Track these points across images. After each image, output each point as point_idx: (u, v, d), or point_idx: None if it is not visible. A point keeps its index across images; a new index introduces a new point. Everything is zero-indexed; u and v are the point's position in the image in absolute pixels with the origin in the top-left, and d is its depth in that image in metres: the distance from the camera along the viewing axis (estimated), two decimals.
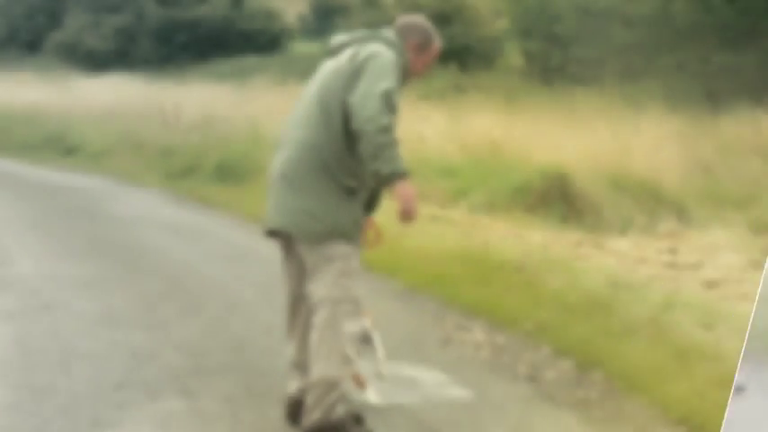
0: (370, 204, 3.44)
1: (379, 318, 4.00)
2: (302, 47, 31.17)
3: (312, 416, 3.21)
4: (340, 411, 3.23)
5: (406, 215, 3.11)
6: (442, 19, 18.46)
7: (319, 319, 3.20)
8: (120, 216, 9.11)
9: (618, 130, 10.07)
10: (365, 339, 3.65)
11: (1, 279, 6.01)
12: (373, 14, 21.59)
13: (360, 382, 3.67)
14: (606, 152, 9.22)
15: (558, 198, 8.42)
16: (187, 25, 31.63)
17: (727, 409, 1.89)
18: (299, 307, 3.39)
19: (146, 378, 3.99)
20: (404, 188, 3.06)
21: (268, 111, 13.65)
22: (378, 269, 5.98)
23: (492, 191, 8.87)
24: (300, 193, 3.19)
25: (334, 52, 3.35)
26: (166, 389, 3.85)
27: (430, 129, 11.58)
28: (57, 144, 17.68)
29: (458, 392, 3.94)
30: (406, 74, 3.32)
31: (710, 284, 5.78)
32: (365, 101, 3.03)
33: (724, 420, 1.89)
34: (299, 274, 3.35)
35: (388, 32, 3.35)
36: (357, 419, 3.36)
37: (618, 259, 6.57)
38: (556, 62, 17.16)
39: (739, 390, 1.89)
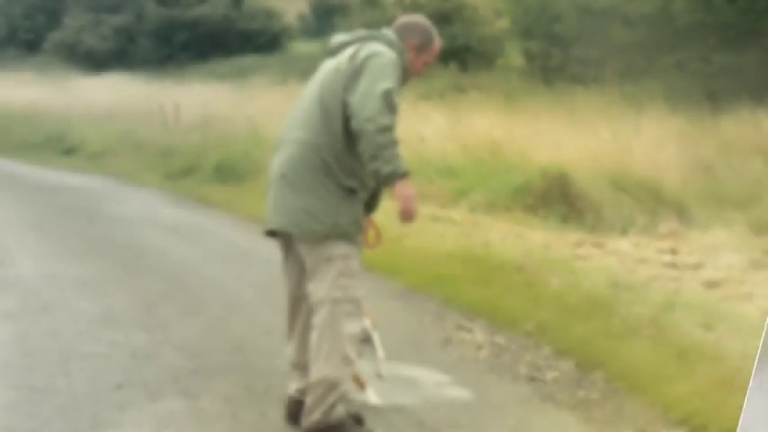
0: (370, 204, 3.43)
1: (380, 318, 3.99)
2: (302, 46, 31.16)
3: (312, 416, 3.20)
4: (340, 412, 3.22)
5: (406, 215, 3.10)
6: (443, 19, 18.46)
7: (319, 319, 3.20)
8: (120, 216, 9.10)
9: (618, 129, 10.06)
10: (365, 339, 3.64)
11: (0, 279, 6.00)
12: (373, 14, 21.59)
13: (360, 383, 3.66)
14: (607, 152, 9.22)
15: (558, 198, 8.41)
16: (187, 25, 31.63)
17: (744, 409, 1.87)
18: (299, 307, 3.38)
19: (145, 378, 3.98)
20: (404, 188, 3.05)
21: (268, 110, 13.66)
22: (378, 269, 5.97)
23: (492, 191, 8.86)
24: (300, 193, 3.18)
25: (334, 52, 3.34)
26: (166, 389, 3.85)
27: (430, 129, 11.58)
28: (56, 144, 17.70)
29: (458, 393, 3.93)
30: (407, 74, 3.31)
31: (711, 285, 5.77)
32: (365, 101, 3.02)
33: (740, 420, 1.87)
34: (299, 274, 3.34)
35: (389, 32, 3.34)
36: (357, 420, 3.36)
37: (618, 259, 6.56)
38: (556, 62, 17.15)
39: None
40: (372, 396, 3.72)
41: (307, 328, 3.31)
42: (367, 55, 3.14)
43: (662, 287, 5.56)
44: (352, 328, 3.22)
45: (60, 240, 7.63)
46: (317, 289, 3.20)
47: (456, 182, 9.59)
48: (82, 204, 10.00)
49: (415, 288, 5.83)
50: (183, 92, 18.17)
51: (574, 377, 4.13)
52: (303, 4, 37.54)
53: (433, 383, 4.04)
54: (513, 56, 20.64)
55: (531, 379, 4.12)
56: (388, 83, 3.05)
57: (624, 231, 7.77)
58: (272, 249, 3.61)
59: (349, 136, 3.12)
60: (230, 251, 7.31)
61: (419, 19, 3.46)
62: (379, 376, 3.74)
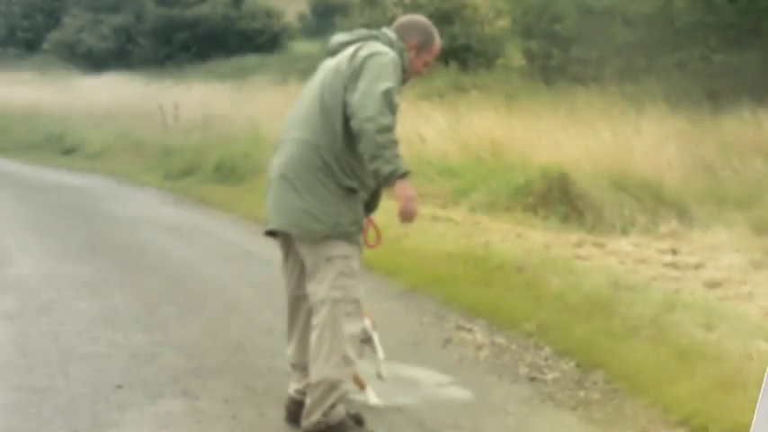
0: (370, 204, 3.42)
1: (380, 318, 3.99)
2: (302, 46, 31.12)
3: (312, 417, 3.20)
4: (340, 412, 3.22)
5: (407, 215, 3.10)
6: (443, 18, 18.43)
7: (319, 319, 3.19)
8: (120, 216, 9.10)
9: (619, 129, 10.06)
10: (365, 340, 3.64)
11: (0, 279, 5.99)
12: (373, 14, 21.54)
13: (360, 383, 3.66)
14: (607, 152, 9.21)
15: (558, 198, 8.40)
16: (187, 25, 31.58)
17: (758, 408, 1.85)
18: (299, 307, 3.38)
19: (145, 379, 3.98)
20: (404, 188, 3.04)
21: (268, 110, 13.64)
22: (378, 269, 5.97)
23: (492, 191, 8.85)
24: (300, 193, 3.17)
25: (334, 52, 3.33)
26: (166, 389, 3.84)
27: (430, 128, 11.57)
28: (56, 143, 17.70)
29: (458, 393, 3.92)
30: (407, 73, 3.30)
31: (712, 285, 5.76)
32: (365, 100, 3.01)
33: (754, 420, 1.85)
34: (299, 274, 3.33)
35: (389, 32, 3.34)
36: (357, 420, 3.35)
37: (619, 259, 6.55)
38: (556, 62, 17.12)
39: None
40: (372, 396, 3.71)
41: (307, 328, 3.30)
42: (367, 54, 3.13)
43: (662, 287, 5.56)
44: (352, 328, 3.22)
45: (60, 240, 7.63)
46: (317, 289, 3.19)
47: (456, 182, 9.58)
48: (81, 204, 9.99)
49: (416, 288, 5.82)
50: (182, 91, 18.16)
51: (574, 377, 4.13)
52: (303, 4, 37.51)
53: (433, 384, 4.03)
54: (514, 56, 20.62)
55: (532, 379, 4.12)
56: (388, 82, 3.04)
57: (625, 231, 7.76)
58: (272, 249, 3.61)
59: (349, 136, 3.11)
60: (230, 251, 7.31)
61: (419, 19, 3.45)
62: (380, 376, 3.74)
